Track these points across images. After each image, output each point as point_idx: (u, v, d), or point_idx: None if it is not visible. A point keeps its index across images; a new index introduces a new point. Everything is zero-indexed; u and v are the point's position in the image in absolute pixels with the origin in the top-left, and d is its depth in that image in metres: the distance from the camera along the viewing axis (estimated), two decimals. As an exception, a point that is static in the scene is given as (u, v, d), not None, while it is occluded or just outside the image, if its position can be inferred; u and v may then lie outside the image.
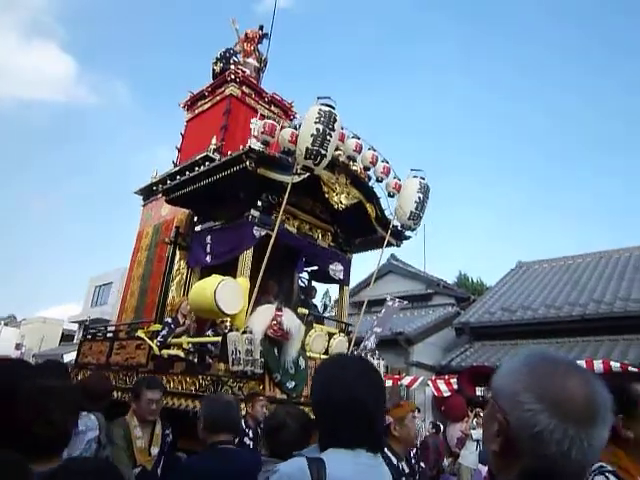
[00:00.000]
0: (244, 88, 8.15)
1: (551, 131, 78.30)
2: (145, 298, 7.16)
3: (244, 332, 4.93)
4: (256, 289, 5.31)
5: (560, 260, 17.89)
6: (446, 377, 10.56)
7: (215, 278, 5.27)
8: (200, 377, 4.94)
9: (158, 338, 5.74)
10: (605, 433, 0.81)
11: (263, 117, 8.29)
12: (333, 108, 5.25)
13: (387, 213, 7.02)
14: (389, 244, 7.32)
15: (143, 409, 3.12)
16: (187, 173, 6.26)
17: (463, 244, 63.35)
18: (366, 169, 6.49)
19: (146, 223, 7.97)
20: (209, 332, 5.97)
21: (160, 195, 7.75)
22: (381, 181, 6.61)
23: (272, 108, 8.57)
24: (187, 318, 6.01)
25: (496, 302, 15.58)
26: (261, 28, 9.19)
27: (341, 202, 6.40)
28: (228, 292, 5.16)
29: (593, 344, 11.95)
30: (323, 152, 5.20)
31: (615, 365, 8.83)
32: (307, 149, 5.16)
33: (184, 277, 6.44)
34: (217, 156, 6.95)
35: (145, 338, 5.97)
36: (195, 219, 6.76)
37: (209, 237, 6.29)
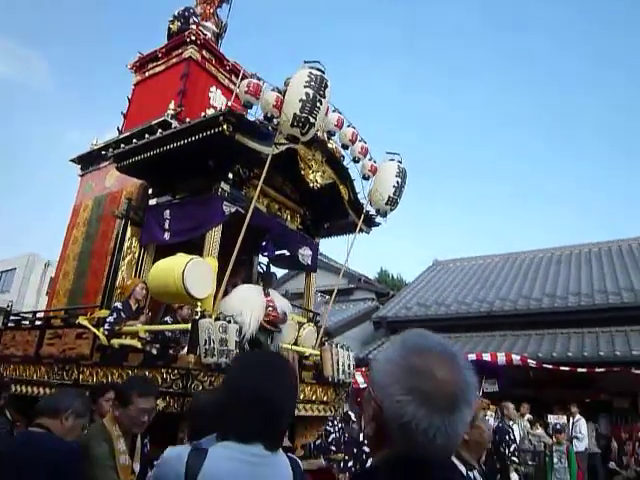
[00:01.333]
0: (204, 52, 7.36)
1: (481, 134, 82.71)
2: (84, 280, 6.21)
3: (217, 319, 4.32)
4: (228, 271, 4.69)
5: (473, 259, 18.91)
6: (363, 369, 10.49)
7: (182, 257, 4.59)
8: (164, 371, 4.24)
9: (105, 326, 4.93)
10: (467, 415, 0.86)
11: (223, 86, 7.74)
12: (323, 73, 4.75)
13: (360, 197, 6.65)
14: (360, 230, 6.95)
15: (131, 419, 2.43)
16: (135, 141, 5.43)
17: (385, 241, 65.15)
18: (344, 147, 6.05)
19: (85, 195, 6.96)
20: (167, 319, 5.24)
21: (104, 164, 6.85)
22: (358, 161, 6.20)
23: (233, 78, 7.83)
24: (140, 303, 5.24)
25: (413, 298, 16.19)
26: (222, -10, 8.40)
27: (316, 181, 5.92)
28: (198, 273, 4.51)
29: (498, 339, 12.61)
30: (312, 120, 4.68)
31: (516, 358, 9.59)
32: (295, 115, 4.61)
33: (136, 256, 5.62)
34: (174, 123, 6.18)
35: (89, 326, 5.12)
36: (150, 191, 5.93)
37: (167, 212, 5.52)
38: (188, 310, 5.46)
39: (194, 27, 7.28)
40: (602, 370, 9.36)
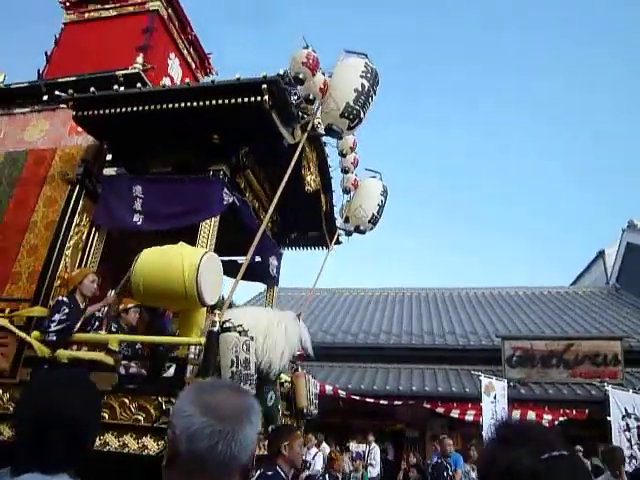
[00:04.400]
0: (170, 10, 6.19)
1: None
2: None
3: (240, 333, 3.38)
4: (239, 276, 3.76)
5: (296, 290, 17.90)
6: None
7: (189, 247, 3.56)
8: (162, 400, 3.10)
9: (49, 328, 3.50)
10: (251, 433, 0.95)
11: (181, 56, 6.61)
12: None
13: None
14: (324, 245, 6.41)
15: None
16: (93, 89, 4.14)
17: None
18: (341, 154, 5.54)
19: (-19, 147, 5.10)
20: (112, 327, 3.98)
21: (19, 110, 5.18)
22: (347, 172, 5.72)
23: (191, 51, 6.75)
24: (86, 301, 3.90)
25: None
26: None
27: (310, 185, 5.29)
28: (212, 272, 3.54)
29: (316, 368, 12.19)
30: (362, 115, 4.12)
31: (329, 388, 10.66)
32: (347, 105, 4.00)
33: (83, 238, 4.20)
34: (146, 78, 4.97)
35: (11, 327, 3.58)
36: (108, 157, 4.54)
37: (139, 188, 4.28)
38: (135, 315, 4.30)
39: (164, -23, 6.09)
40: (399, 403, 10.92)
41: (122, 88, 4.66)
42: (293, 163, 4.08)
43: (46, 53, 5.91)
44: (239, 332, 3.34)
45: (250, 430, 0.94)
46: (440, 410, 10.80)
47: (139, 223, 4.19)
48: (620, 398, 9.44)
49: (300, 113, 4.29)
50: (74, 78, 4.95)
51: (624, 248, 17.79)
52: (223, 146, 4.28)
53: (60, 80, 5.04)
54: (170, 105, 3.98)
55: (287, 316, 3.85)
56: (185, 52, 6.57)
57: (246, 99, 3.80)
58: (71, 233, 4.07)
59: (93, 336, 3.58)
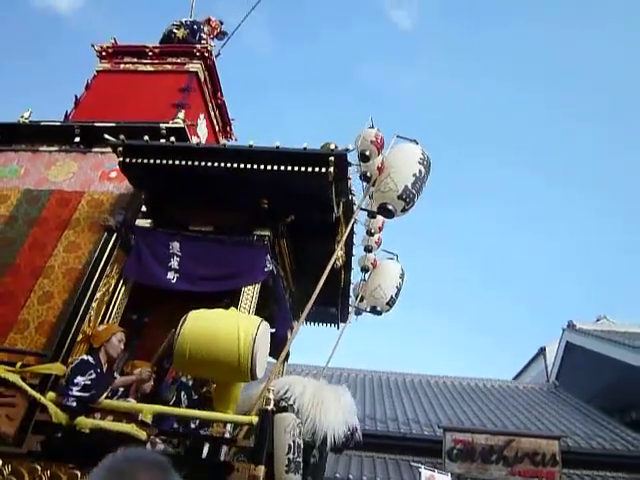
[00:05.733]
0: (206, 75, 6.29)
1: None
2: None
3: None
4: (288, 345, 3.52)
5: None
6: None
7: (245, 315, 3.34)
8: (204, 487, 2.70)
9: (71, 392, 3.06)
10: None
11: (209, 119, 6.65)
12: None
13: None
14: (331, 322, 6.22)
15: None
16: (123, 137, 4.00)
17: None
18: (368, 233, 5.53)
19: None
20: (131, 398, 3.55)
21: (46, 148, 4.95)
22: (370, 251, 5.71)
23: (217, 114, 6.81)
24: (109, 363, 3.50)
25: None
26: (222, 23, 7.59)
27: (339, 260, 5.20)
28: (265, 343, 3.28)
29: None
30: (415, 199, 4.17)
31: None
32: (406, 188, 4.05)
33: (110, 291, 3.84)
34: (189, 134, 4.91)
35: (24, 385, 3.11)
36: (143, 208, 4.31)
37: (176, 245, 4.04)
38: (151, 382, 3.88)
39: (206, 43, 6.26)
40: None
41: (162, 141, 4.58)
42: (344, 238, 4.02)
43: (76, 96, 5.77)
44: (294, 411, 3.05)
45: None
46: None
47: (173, 281, 3.91)
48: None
49: (351, 189, 4.30)
50: (113, 124, 4.80)
51: (563, 347, 18.32)
52: (270, 211, 4.18)
53: (97, 124, 4.88)
54: (224, 164, 3.89)
55: (340, 389, 3.59)
56: (212, 114, 6.62)
57: (310, 168, 3.77)
58: (100, 284, 3.71)
59: (123, 404, 3.15)
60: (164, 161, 3.96)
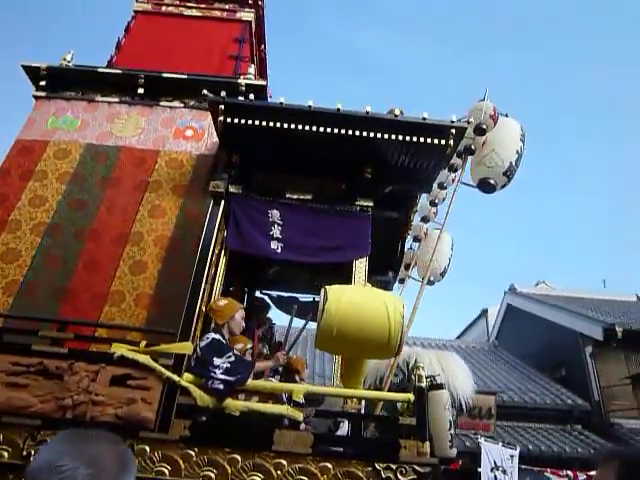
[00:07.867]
0: (254, 25, 5.81)
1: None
2: (62, 272, 3.55)
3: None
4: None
5: None
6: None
7: (385, 292, 3.24)
8: (375, 467, 2.66)
9: (214, 374, 2.86)
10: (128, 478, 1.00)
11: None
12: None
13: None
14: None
15: None
16: (206, 91, 3.66)
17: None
18: (432, 204, 5.48)
19: (54, 133, 4.20)
20: (271, 376, 3.42)
21: (103, 99, 4.47)
22: (427, 221, 5.68)
23: (258, 69, 6.37)
24: (235, 341, 3.32)
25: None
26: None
27: (409, 230, 5.18)
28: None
29: None
30: (512, 177, 4.13)
31: None
32: (510, 165, 4.00)
33: (214, 263, 3.57)
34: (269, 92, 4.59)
35: (158, 367, 2.88)
36: (230, 173, 3.97)
37: (276, 213, 3.81)
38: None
39: (257, -8, 5.75)
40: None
41: (241, 98, 4.23)
42: (449, 211, 3.94)
43: (118, 39, 5.16)
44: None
45: (129, 477, 0.97)
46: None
47: (278, 251, 3.70)
48: (490, 450, 9.88)
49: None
50: (185, 76, 4.36)
51: (504, 309, 19.49)
52: (372, 181, 4.01)
53: (165, 75, 4.41)
54: (337, 130, 3.66)
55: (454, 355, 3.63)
56: (252, 70, 6.17)
57: (429, 139, 3.62)
58: (211, 255, 3.43)
59: (270, 384, 2.99)
60: (270, 123, 3.66)
